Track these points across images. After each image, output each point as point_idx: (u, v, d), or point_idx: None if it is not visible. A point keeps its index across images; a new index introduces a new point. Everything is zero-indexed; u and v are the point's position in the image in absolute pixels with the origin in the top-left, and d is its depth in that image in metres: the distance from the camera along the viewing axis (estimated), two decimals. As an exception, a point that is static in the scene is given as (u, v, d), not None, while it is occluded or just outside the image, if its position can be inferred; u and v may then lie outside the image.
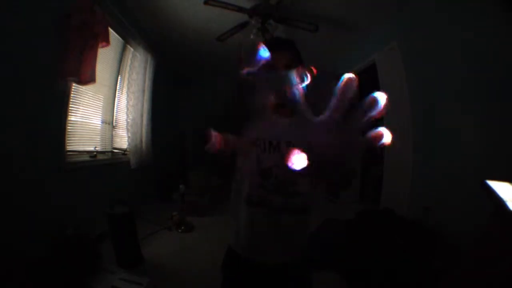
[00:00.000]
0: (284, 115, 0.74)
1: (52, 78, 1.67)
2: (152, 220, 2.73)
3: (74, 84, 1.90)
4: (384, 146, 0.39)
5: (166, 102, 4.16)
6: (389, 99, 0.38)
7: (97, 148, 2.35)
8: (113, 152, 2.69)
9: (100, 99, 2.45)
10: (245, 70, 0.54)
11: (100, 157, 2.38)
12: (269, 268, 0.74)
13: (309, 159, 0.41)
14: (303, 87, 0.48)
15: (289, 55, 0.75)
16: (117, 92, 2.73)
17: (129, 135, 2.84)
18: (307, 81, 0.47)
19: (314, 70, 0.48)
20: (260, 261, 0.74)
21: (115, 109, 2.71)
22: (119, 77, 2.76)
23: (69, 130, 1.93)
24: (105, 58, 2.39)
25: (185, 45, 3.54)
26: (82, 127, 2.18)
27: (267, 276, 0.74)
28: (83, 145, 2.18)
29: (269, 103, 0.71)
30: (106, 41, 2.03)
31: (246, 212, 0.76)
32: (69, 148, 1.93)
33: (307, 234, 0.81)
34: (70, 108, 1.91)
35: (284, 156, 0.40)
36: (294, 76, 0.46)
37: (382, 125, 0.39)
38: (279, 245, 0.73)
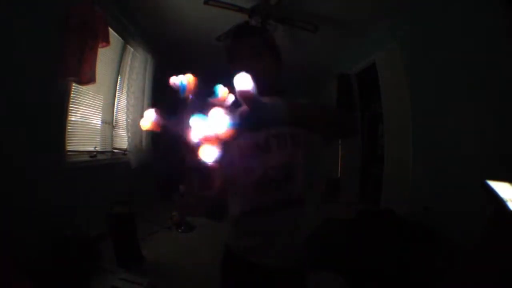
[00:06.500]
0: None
1: (52, 78, 1.67)
2: (152, 220, 2.73)
3: (74, 84, 1.90)
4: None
5: (165, 102, 4.15)
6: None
7: (97, 148, 2.35)
8: (113, 152, 2.69)
9: (100, 99, 2.45)
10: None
11: (100, 157, 2.37)
12: (267, 270, 0.70)
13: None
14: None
15: (254, 42, 0.63)
16: (117, 92, 2.73)
17: (129, 135, 2.83)
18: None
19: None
20: (260, 262, 0.71)
21: (115, 109, 2.71)
22: (119, 77, 2.75)
23: (69, 130, 1.92)
24: (105, 58, 2.39)
25: (185, 45, 3.54)
26: (82, 127, 2.18)
27: (265, 278, 0.71)
28: (83, 145, 2.18)
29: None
30: (106, 41, 2.03)
31: (243, 219, 0.70)
32: (69, 148, 1.93)
33: (301, 233, 0.74)
34: (70, 108, 1.91)
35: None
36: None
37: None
38: (277, 247, 0.69)
